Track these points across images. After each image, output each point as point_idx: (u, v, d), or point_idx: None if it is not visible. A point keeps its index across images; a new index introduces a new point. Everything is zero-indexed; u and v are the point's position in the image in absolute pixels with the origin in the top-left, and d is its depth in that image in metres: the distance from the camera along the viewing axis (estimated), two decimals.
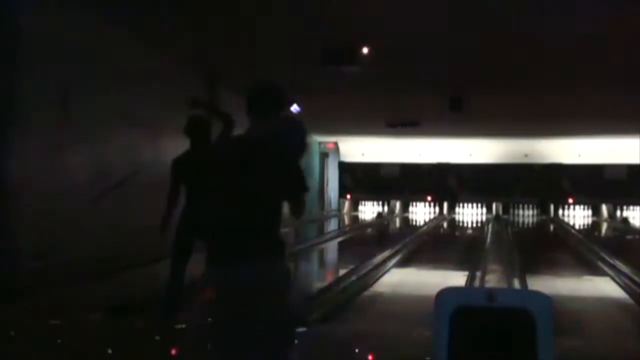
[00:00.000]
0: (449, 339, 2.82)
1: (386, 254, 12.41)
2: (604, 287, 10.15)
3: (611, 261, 11.77)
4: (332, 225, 22.92)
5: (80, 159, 10.35)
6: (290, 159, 3.58)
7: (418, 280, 10.80)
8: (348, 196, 26.62)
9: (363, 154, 25.80)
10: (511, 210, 25.70)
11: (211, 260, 3.41)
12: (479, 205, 26.02)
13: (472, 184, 25.66)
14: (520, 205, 25.97)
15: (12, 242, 8.85)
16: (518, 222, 24.24)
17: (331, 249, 15.86)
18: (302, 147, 3.67)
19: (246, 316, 3.31)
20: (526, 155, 25.26)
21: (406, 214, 26.12)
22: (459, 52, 12.23)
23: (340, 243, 16.77)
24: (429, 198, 25.98)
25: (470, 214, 25.89)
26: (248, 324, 3.32)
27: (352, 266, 10.85)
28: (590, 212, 25.72)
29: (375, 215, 25.48)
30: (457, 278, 9.99)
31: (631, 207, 24.96)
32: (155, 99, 12.58)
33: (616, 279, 10.33)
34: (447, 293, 2.94)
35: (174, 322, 6.17)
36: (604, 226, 23.45)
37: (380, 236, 12.85)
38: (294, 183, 3.60)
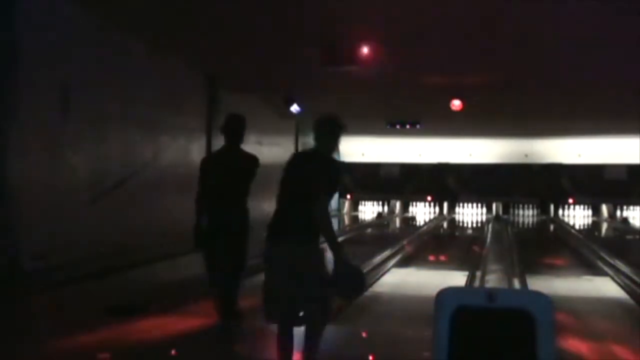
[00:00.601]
0: (449, 339, 2.82)
1: (386, 253, 12.43)
2: (603, 287, 10.14)
3: (611, 261, 11.78)
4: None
5: (80, 159, 10.35)
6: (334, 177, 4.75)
7: (418, 280, 10.78)
8: (348, 196, 26.60)
9: (363, 154, 25.77)
10: (511, 210, 25.68)
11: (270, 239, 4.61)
12: (479, 205, 26.00)
13: (472, 184, 25.64)
14: (520, 205, 25.95)
15: (12, 241, 8.85)
16: (518, 222, 24.22)
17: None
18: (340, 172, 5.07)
19: (292, 278, 4.43)
20: (526, 155, 25.23)
21: (406, 214, 26.11)
22: (459, 52, 12.23)
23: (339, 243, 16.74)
24: (429, 198, 25.96)
25: (470, 214, 25.88)
26: (292, 285, 4.43)
27: None
28: (590, 212, 25.71)
29: (375, 215, 25.46)
30: (457, 278, 9.99)
31: (631, 207, 24.94)
32: (155, 99, 12.59)
33: (616, 278, 10.33)
34: (447, 293, 2.94)
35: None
36: (604, 226, 23.44)
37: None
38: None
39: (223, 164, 6.64)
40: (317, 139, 4.73)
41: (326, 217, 4.53)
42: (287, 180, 4.72)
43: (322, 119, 4.83)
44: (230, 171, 6.54)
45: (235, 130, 6.66)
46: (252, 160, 6.63)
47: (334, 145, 4.73)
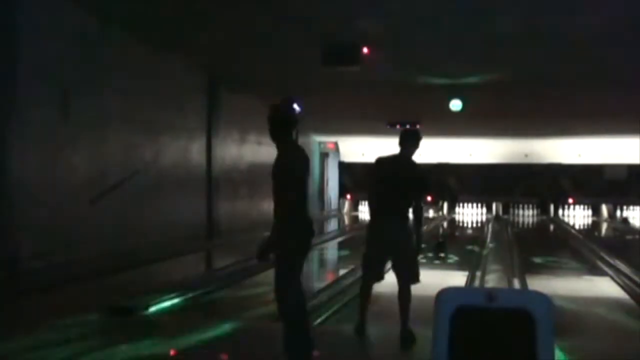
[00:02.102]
0: (449, 339, 2.82)
1: None
2: (603, 287, 10.14)
3: (611, 261, 11.78)
4: (332, 225, 22.92)
5: (80, 159, 10.35)
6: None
7: None
8: (348, 196, 26.60)
9: (363, 154, 25.77)
10: (511, 210, 25.69)
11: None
12: (479, 205, 26.01)
13: (472, 184, 25.65)
14: (520, 205, 25.96)
15: (12, 241, 8.86)
16: (518, 222, 24.23)
17: (331, 248, 15.85)
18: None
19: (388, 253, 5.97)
20: (526, 155, 25.24)
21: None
22: (459, 52, 12.23)
23: (339, 243, 16.76)
24: (428, 198, 25.96)
25: (470, 214, 25.88)
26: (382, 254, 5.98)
27: (352, 266, 10.86)
28: (590, 212, 25.71)
29: None
30: (457, 278, 9.99)
31: (631, 207, 24.95)
32: (155, 99, 12.59)
33: (616, 278, 10.33)
34: (447, 293, 2.94)
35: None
36: (604, 226, 23.44)
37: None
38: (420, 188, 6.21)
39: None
40: (405, 146, 6.07)
41: (422, 207, 6.05)
42: (384, 178, 6.03)
43: (409, 131, 6.35)
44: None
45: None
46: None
47: (414, 152, 6.11)
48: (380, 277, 6.05)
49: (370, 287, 6.07)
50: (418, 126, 19.71)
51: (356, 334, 6.04)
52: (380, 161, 6.21)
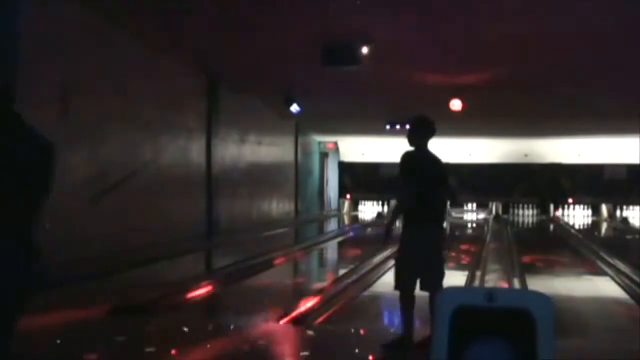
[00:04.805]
0: (449, 339, 2.82)
1: (386, 253, 12.40)
2: (603, 287, 10.14)
3: (611, 261, 11.78)
4: (332, 225, 22.92)
5: (80, 159, 10.35)
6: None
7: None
8: (348, 196, 26.60)
9: (363, 154, 25.77)
10: (511, 210, 25.68)
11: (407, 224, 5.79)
12: (478, 205, 25.99)
13: (472, 184, 25.64)
14: (520, 205, 25.96)
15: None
16: (518, 222, 24.23)
17: (331, 249, 15.85)
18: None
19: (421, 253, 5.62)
20: (526, 155, 25.23)
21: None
22: (459, 52, 12.24)
23: (340, 243, 16.76)
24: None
25: (470, 214, 25.87)
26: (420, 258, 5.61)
27: (352, 266, 10.88)
28: (590, 212, 25.71)
29: (375, 215, 25.45)
30: (457, 278, 9.99)
31: (631, 207, 24.94)
32: (155, 99, 12.59)
33: (616, 278, 10.33)
34: (447, 293, 2.94)
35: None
36: (604, 226, 23.44)
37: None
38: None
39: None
40: (425, 140, 5.91)
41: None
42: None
43: (424, 120, 6.13)
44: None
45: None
46: None
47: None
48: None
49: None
50: None
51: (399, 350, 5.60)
52: (413, 156, 5.84)
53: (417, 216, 5.72)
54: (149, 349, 5.75)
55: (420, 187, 5.72)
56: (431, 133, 5.99)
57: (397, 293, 5.76)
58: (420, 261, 5.61)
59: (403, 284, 5.66)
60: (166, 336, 6.16)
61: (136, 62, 11.84)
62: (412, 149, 5.92)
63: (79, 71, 10.10)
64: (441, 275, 5.67)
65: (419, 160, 5.85)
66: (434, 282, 5.55)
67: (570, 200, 25.63)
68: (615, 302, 8.99)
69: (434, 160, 5.89)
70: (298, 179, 22.55)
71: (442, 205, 5.98)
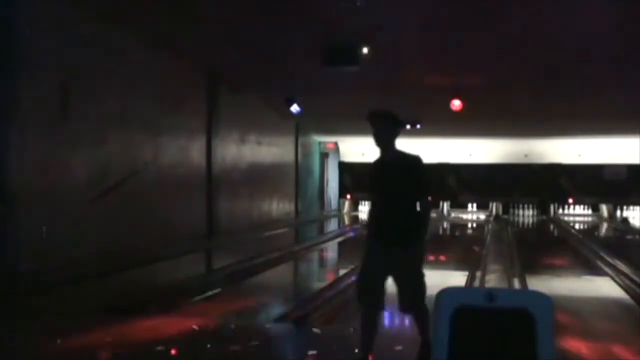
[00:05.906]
0: (449, 339, 2.82)
1: None
2: (603, 287, 10.14)
3: (611, 261, 11.78)
4: (332, 225, 22.91)
5: (80, 159, 10.35)
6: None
7: None
8: (348, 196, 26.59)
9: (363, 154, 25.76)
10: (511, 210, 25.68)
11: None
12: (478, 205, 25.99)
13: (472, 184, 25.63)
14: (520, 205, 25.95)
15: (12, 241, 8.85)
16: (518, 222, 24.22)
17: (331, 249, 15.86)
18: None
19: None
20: (526, 155, 25.23)
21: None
22: (459, 52, 12.23)
23: (340, 243, 16.76)
24: (428, 198, 25.92)
25: (470, 214, 25.86)
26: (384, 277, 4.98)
27: (352, 266, 10.86)
28: (590, 212, 25.71)
29: None
30: (457, 278, 9.99)
31: (631, 207, 24.94)
32: (155, 99, 12.58)
33: (616, 278, 10.33)
34: (447, 293, 2.94)
35: None
36: (604, 226, 23.44)
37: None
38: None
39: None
40: (387, 138, 5.55)
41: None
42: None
43: (380, 115, 5.60)
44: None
45: None
46: None
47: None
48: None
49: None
50: (418, 126, 19.75)
51: None
52: (376, 163, 5.50)
53: (383, 232, 5.01)
54: (149, 349, 5.74)
55: (386, 199, 5.14)
56: (392, 129, 5.36)
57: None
58: (382, 280, 4.87)
59: (363, 299, 4.92)
60: (166, 336, 6.16)
61: (136, 62, 11.83)
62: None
63: (79, 71, 10.10)
64: (419, 294, 4.91)
65: (381, 167, 5.27)
66: (410, 301, 4.89)
67: (570, 200, 25.63)
68: (615, 302, 9.00)
69: (405, 163, 5.19)
70: (298, 179, 22.55)
71: (418, 218, 5.05)
